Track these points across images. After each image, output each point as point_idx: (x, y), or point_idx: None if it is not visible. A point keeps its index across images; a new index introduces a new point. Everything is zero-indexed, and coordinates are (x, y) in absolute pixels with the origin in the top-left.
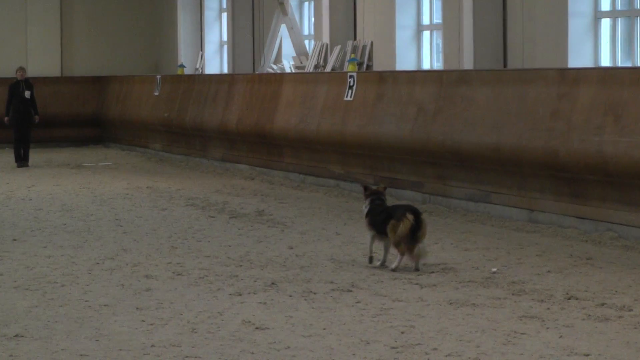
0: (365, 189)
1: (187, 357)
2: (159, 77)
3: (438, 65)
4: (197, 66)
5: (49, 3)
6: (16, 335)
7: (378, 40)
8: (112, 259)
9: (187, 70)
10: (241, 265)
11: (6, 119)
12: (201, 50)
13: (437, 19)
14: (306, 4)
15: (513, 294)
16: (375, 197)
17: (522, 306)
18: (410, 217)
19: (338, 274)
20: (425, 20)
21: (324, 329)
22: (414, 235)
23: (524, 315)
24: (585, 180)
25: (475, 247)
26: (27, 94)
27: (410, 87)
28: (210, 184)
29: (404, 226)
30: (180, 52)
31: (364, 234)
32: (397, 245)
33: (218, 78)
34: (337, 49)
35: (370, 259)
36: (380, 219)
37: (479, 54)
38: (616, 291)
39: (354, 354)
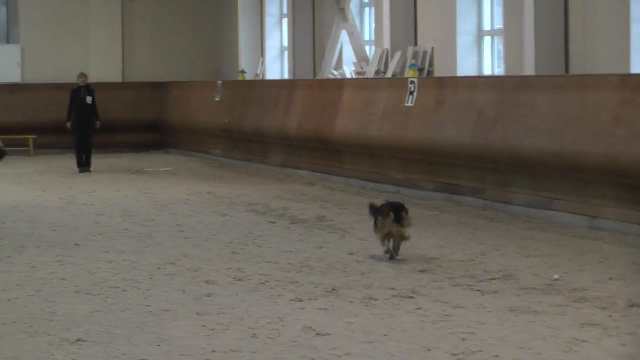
0: (370, 207)
1: None
2: (219, 82)
3: (499, 70)
4: (258, 72)
5: (110, 9)
6: (78, 340)
7: (439, 45)
8: (173, 264)
9: (248, 76)
10: (301, 271)
11: (68, 124)
12: (262, 55)
13: (498, 24)
14: (367, 9)
15: (574, 301)
16: (376, 210)
17: (583, 313)
18: (391, 214)
19: (398, 280)
20: (486, 26)
21: (385, 335)
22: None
23: (585, 323)
24: None
25: (536, 253)
26: (89, 99)
27: (470, 92)
28: (270, 189)
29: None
30: (241, 57)
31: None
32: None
33: (278, 83)
34: (397, 54)
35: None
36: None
37: (540, 59)
38: None
39: None
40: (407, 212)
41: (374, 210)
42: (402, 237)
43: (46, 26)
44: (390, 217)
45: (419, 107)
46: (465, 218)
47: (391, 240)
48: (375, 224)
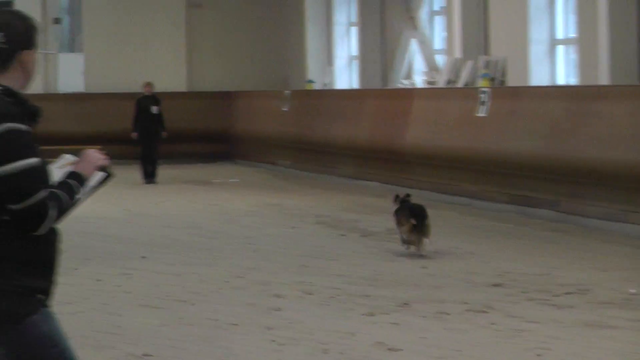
0: (396, 197)
1: None
2: (288, 92)
3: (572, 80)
4: (326, 81)
5: (175, 17)
6: (145, 354)
7: (511, 54)
8: (242, 278)
9: (316, 86)
10: (373, 285)
11: (134, 134)
12: (330, 65)
13: (572, 33)
14: (437, 17)
15: None
16: (402, 201)
17: None
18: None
19: (472, 294)
20: (560, 34)
21: (458, 350)
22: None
23: None
24: None
25: (612, 267)
26: (155, 109)
27: (544, 102)
28: (340, 201)
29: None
30: (309, 66)
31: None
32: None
33: (347, 93)
34: (469, 64)
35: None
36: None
37: (616, 69)
38: None
39: None
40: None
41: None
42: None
43: (110, 35)
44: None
45: (491, 118)
46: (539, 231)
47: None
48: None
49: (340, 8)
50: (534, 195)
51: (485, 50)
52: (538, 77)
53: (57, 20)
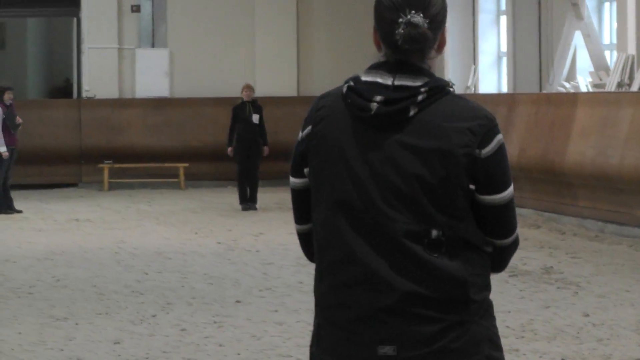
0: None
1: None
2: None
3: None
4: (468, 84)
5: (282, 6)
6: None
7: None
8: None
9: (456, 89)
10: (522, 337)
11: (229, 149)
12: (473, 63)
13: None
14: (606, 4)
15: None
16: None
17: None
18: None
19: None
20: None
21: None
22: None
23: None
24: None
25: None
26: (255, 118)
27: None
28: None
29: None
30: (447, 66)
31: None
32: None
33: (494, 98)
34: None
35: None
36: None
37: None
38: None
39: None
40: None
41: None
42: None
43: (201, 26)
44: None
45: None
46: None
47: None
48: None
49: None
50: None
51: None
52: None
53: (135, 8)
